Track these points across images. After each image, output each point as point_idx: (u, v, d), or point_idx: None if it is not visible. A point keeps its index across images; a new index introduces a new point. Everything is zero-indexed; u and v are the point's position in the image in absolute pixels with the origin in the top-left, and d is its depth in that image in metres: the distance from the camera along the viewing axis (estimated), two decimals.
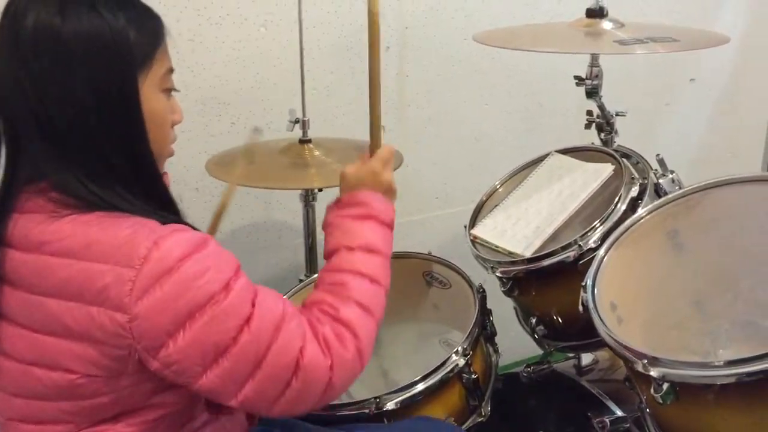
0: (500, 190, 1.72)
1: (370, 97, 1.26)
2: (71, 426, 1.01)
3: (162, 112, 1.04)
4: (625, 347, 1.13)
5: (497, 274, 1.54)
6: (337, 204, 1.19)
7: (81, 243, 0.94)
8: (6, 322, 1.00)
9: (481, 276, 1.58)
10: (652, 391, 1.08)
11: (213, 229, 1.31)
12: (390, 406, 1.31)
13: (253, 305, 0.97)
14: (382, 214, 1.16)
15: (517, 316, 1.68)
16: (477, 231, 1.62)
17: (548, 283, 1.50)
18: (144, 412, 1.02)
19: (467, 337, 1.40)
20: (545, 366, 1.70)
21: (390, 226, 1.17)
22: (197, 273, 0.93)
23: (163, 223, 0.97)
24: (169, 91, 1.05)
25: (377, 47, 1.24)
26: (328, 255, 1.14)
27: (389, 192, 1.21)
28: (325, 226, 1.18)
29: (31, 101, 0.94)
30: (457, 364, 1.37)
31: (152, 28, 1.01)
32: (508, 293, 1.57)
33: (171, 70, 1.05)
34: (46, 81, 0.94)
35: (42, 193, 0.97)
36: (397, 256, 1.41)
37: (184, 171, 1.85)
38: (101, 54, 0.94)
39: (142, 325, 0.92)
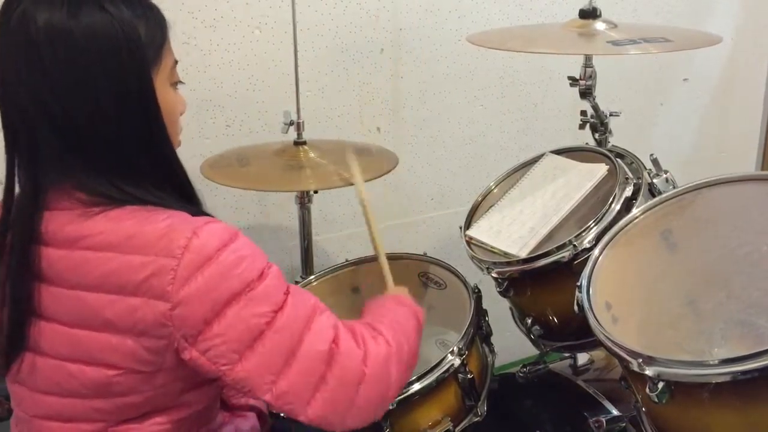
0: (495, 190, 1.72)
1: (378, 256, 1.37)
2: (100, 425, 1.01)
3: (173, 105, 1.05)
4: (620, 347, 1.13)
5: (493, 274, 1.54)
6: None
7: (119, 237, 0.94)
8: (42, 320, 1.00)
9: (476, 276, 1.59)
10: (647, 390, 1.08)
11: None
12: None
13: (286, 294, 0.99)
14: (416, 310, 1.22)
15: (513, 316, 1.68)
16: (472, 232, 1.62)
17: (543, 283, 1.50)
18: (170, 411, 1.04)
19: (463, 337, 1.40)
20: (541, 366, 1.70)
21: (420, 322, 1.22)
22: (234, 262, 0.95)
23: (193, 214, 0.98)
24: (176, 84, 1.06)
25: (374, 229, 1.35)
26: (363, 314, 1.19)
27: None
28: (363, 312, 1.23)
29: (48, 105, 0.94)
30: (452, 364, 1.37)
31: (158, 23, 1.01)
32: (503, 294, 1.57)
33: (176, 62, 1.06)
34: (63, 84, 0.93)
35: (68, 194, 0.98)
36: (393, 257, 1.42)
37: None
38: (115, 52, 0.94)
39: (183, 313, 0.93)
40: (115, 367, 0.97)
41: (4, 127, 1.00)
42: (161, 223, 0.95)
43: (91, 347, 0.97)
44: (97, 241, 0.95)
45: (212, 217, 1.01)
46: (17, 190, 1.02)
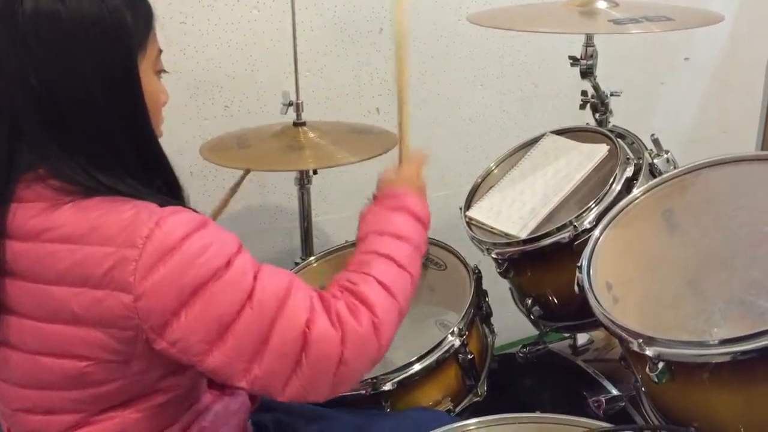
0: (495, 171, 1.72)
1: (398, 109, 1.29)
2: (80, 415, 1.01)
3: (156, 94, 1.04)
4: (621, 327, 1.13)
5: (493, 255, 1.54)
6: (373, 199, 1.22)
7: (82, 229, 0.93)
8: (9, 315, 0.99)
9: (476, 257, 1.58)
10: (647, 370, 1.08)
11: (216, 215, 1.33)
12: (386, 386, 1.32)
13: (255, 279, 0.97)
14: (415, 207, 1.18)
15: (513, 296, 1.68)
16: (472, 213, 1.62)
17: (544, 264, 1.50)
18: (152, 396, 1.03)
19: (463, 318, 1.40)
20: (541, 346, 1.70)
21: (422, 221, 1.19)
22: (199, 250, 0.94)
23: (162, 205, 0.97)
24: (160, 72, 1.06)
25: (404, 60, 1.26)
26: (358, 240, 1.15)
27: (422, 192, 1.25)
28: (360, 219, 1.19)
29: (33, 87, 0.93)
30: (453, 345, 1.37)
31: (144, 11, 1.01)
32: (503, 274, 1.58)
33: (161, 51, 1.05)
34: (50, 66, 0.93)
35: (41, 180, 0.96)
36: None
37: (177, 155, 1.84)
38: (103, 37, 0.94)
39: (147, 305, 0.92)
40: (87, 358, 0.96)
41: None
42: (125, 213, 0.94)
43: (60, 340, 0.96)
44: (61, 234, 0.94)
45: (184, 207, 1.00)
46: None
